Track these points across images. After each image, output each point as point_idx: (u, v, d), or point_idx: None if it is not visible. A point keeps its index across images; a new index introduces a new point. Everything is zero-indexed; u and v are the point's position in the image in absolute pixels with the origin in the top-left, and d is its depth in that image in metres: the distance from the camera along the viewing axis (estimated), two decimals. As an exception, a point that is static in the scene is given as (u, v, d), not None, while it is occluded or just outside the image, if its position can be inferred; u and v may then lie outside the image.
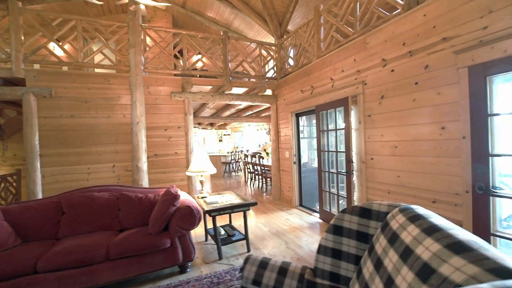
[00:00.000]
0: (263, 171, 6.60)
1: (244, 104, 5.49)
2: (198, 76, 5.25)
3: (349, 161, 3.21)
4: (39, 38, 3.97)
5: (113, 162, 4.22)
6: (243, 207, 2.94)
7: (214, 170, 3.36)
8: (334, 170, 3.64)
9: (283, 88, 5.14)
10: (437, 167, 2.33)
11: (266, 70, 5.37)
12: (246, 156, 7.82)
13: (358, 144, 3.20)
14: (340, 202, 3.54)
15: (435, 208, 2.36)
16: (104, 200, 2.83)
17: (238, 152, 10.26)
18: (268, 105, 5.76)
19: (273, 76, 5.44)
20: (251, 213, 4.65)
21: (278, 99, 5.41)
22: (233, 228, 3.38)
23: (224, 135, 11.51)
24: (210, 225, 3.49)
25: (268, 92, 5.55)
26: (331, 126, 3.68)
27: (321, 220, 4.00)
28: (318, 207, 4.25)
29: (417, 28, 2.46)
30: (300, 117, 4.86)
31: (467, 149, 2.06)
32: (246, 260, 1.39)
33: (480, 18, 1.99)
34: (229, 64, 4.96)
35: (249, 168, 7.58)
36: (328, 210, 3.76)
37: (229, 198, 3.23)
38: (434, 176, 2.36)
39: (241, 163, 10.41)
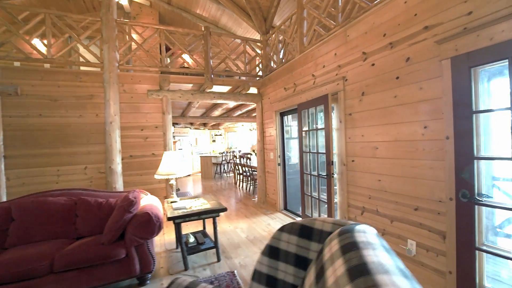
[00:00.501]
0: (251, 172, 6.37)
1: (228, 103, 5.26)
2: (186, 74, 5.03)
3: (329, 163, 2.97)
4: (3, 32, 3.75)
5: (85, 164, 3.99)
6: (211, 213, 2.70)
7: (185, 172, 3.13)
8: (316, 173, 3.40)
9: (267, 86, 4.91)
10: (420, 171, 2.09)
11: (252, 68, 5.14)
12: (235, 157, 7.59)
13: (339, 145, 2.97)
14: (322, 207, 3.31)
15: (417, 216, 2.12)
16: (60, 206, 2.60)
17: (230, 152, 10.03)
18: (254, 104, 5.53)
19: (258, 73, 5.21)
20: (232, 217, 4.41)
21: (263, 97, 5.18)
22: (205, 235, 3.14)
23: (216, 135, 11.29)
24: (186, 231, 3.25)
25: (254, 90, 5.32)
26: (313, 126, 3.44)
27: (303, 226, 3.76)
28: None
29: (398, 17, 2.23)
30: (285, 116, 4.63)
31: (451, 150, 1.83)
32: (171, 284, 1.16)
33: (464, 3, 1.75)
34: (211, 61, 4.73)
35: (239, 170, 7.35)
36: (310, 215, 3.53)
37: (200, 203, 3.00)
38: (417, 181, 2.12)
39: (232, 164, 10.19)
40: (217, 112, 8.40)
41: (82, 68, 5.28)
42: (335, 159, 3.10)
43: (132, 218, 2.35)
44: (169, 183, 3.12)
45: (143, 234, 2.31)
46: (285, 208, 4.63)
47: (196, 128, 12.16)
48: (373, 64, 2.48)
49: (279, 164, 4.61)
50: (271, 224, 3.94)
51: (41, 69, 3.81)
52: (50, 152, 3.82)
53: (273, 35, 4.73)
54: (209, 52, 4.68)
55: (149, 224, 2.32)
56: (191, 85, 4.66)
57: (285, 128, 4.67)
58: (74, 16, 3.96)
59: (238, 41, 6.02)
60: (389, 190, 2.37)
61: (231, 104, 6.01)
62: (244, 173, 6.91)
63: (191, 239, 2.94)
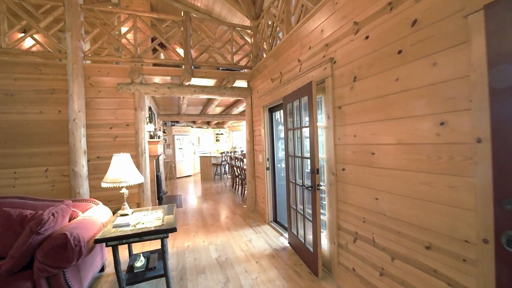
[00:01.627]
0: (245, 176, 5.75)
1: (212, 97, 4.67)
2: (167, 66, 4.51)
3: (314, 171, 2.29)
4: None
5: (45, 166, 3.56)
6: (156, 234, 2.12)
7: (137, 180, 2.57)
8: (301, 182, 2.72)
9: (256, 79, 4.27)
10: (433, 190, 1.39)
11: (240, 58, 4.51)
12: (231, 158, 7.01)
13: (327, 148, 2.28)
14: (307, 224, 2.63)
15: (430, 259, 1.42)
16: (-26, 220, 2.12)
17: (231, 152, 9.47)
18: (242, 99, 4.91)
19: (247, 65, 4.58)
20: (212, 228, 3.83)
21: (252, 91, 4.54)
22: (163, 256, 2.57)
23: (218, 134, 10.78)
24: (147, 248, 2.71)
25: (244, 84, 4.70)
26: (297, 124, 2.77)
27: (288, 245, 3.10)
28: (290, 227, 3.34)
29: (401, -36, 1.52)
30: (275, 113, 3.97)
31: (486, 161, 1.12)
32: None
33: None
34: (191, 50, 4.16)
35: (235, 172, 6.76)
36: (295, 234, 2.86)
37: (154, 218, 2.43)
38: (429, 205, 1.42)
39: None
40: (218, 109, 7.87)
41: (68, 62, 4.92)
42: (323, 165, 2.41)
43: (44, 241, 1.81)
44: (120, 192, 2.58)
45: (57, 262, 1.77)
46: (275, 220, 3.98)
47: (198, 127, 11.73)
48: (367, 37, 1.78)
49: (267, 169, 3.96)
50: (252, 241, 3.31)
51: (-5, 60, 3.41)
52: (6, 152, 3.41)
53: (263, 20, 4.08)
54: (189, 40, 4.11)
55: (65, 249, 1.77)
56: (169, 77, 4.12)
57: (276, 127, 4.01)
58: (33, 1, 3.52)
59: (225, 28, 5.39)
60: (389, 213, 1.67)
61: (219, 99, 5.41)
62: (239, 176, 6.31)
63: (139, 262, 2.38)
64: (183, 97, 5.26)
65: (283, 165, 4.21)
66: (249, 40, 5.14)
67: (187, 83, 4.08)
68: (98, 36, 3.94)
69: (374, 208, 1.80)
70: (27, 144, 3.49)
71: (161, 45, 5.37)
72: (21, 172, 3.47)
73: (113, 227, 2.20)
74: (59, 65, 3.60)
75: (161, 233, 2.11)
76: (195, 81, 4.31)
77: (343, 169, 2.10)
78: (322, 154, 2.51)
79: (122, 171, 2.52)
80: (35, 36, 3.38)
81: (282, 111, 3.87)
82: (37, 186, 3.51)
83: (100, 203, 2.82)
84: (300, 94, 2.50)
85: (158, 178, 5.34)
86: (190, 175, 10.44)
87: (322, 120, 2.43)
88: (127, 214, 2.55)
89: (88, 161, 3.70)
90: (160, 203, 5.42)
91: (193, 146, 11.38)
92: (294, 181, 2.87)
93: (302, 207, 2.71)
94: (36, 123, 3.53)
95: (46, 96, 3.56)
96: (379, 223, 1.75)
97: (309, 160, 2.41)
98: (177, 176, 9.77)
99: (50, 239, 1.80)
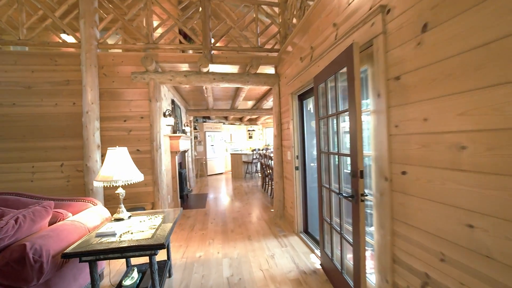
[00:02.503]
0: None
1: (235, 86, 4.14)
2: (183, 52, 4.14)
3: (356, 174, 1.58)
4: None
5: (61, 161, 3.43)
6: (140, 251, 1.64)
7: (134, 178, 2.16)
8: (337, 188, 2.01)
9: (284, 62, 3.62)
10: None
11: (266, 40, 3.90)
12: (261, 155, 6.45)
13: (377, 141, 1.55)
14: (346, 245, 1.92)
15: None
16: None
17: (263, 150, 8.91)
18: (268, 88, 4.29)
19: (275, 47, 3.94)
20: (232, 236, 3.31)
21: (280, 78, 3.89)
22: (163, 270, 2.12)
23: (249, 130, 10.28)
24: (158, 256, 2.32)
25: (270, 70, 4.08)
26: (332, 109, 2.07)
27: (320, 267, 2.41)
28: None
29: None
30: (306, 101, 3.28)
31: None
32: None
33: None
34: (211, 33, 3.69)
35: (264, 171, 6.19)
36: (329, 256, 2.16)
37: (148, 226, 1.98)
38: None
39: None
40: (249, 103, 7.39)
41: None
42: (370, 166, 1.68)
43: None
44: (116, 192, 2.19)
45: (12, 281, 1.40)
46: (305, 231, 3.30)
47: (231, 123, 11.43)
48: None
49: (297, 168, 3.29)
50: (276, 256, 2.70)
51: (14, 52, 3.36)
52: (24, 146, 3.35)
53: (292, -11, 3.40)
54: (207, 22, 3.64)
55: (22, 265, 1.40)
56: (186, 64, 3.71)
57: (308, 119, 3.32)
58: (49, -12, 3.39)
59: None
60: (500, 256, 0.92)
61: (244, 88, 4.87)
62: (269, 176, 5.72)
63: (130, 279, 1.95)
64: (207, 89, 4.86)
65: (315, 165, 3.50)
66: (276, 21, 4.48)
67: (205, 70, 3.61)
68: (112, 23, 3.71)
69: (464, 242, 1.05)
70: (43, 138, 3.39)
71: (180, 32, 5.03)
72: (39, 166, 3.38)
73: (96, 236, 1.80)
74: (73, 54, 3.43)
75: (145, 249, 1.63)
76: (214, 68, 3.83)
77: (404, 173, 1.37)
78: (368, 150, 1.78)
79: (116, 167, 2.12)
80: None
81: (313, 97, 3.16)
82: (53, 182, 3.39)
83: (99, 203, 2.49)
84: (336, 66, 1.80)
85: (181, 175, 5.04)
86: (221, 173, 10.19)
87: (368, 104, 1.70)
88: (122, 219, 2.16)
89: (102, 156, 3.47)
90: (182, 203, 5.12)
91: (225, 143, 11.12)
92: (328, 186, 2.17)
93: (339, 221, 2.00)
94: (51, 116, 3.40)
95: (61, 88, 3.42)
96: (477, 270, 1.00)
97: (348, 159, 1.70)
98: (208, 174, 9.57)
99: (6, 251, 1.44)
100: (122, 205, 2.22)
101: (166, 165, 4.22)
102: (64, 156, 3.43)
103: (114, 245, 1.63)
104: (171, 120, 4.18)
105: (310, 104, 3.44)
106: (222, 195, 6.03)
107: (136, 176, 2.20)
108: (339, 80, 1.89)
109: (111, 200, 3.51)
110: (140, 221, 2.12)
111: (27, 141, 3.35)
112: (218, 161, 10.06)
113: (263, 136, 12.19)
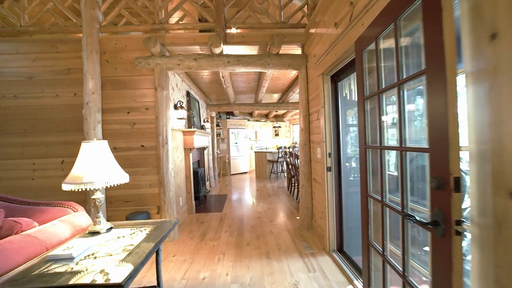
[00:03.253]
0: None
1: (253, 70, 3.52)
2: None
3: (444, 185, 0.87)
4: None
5: (62, 157, 3.13)
6: (91, 293, 1.10)
7: (113, 180, 1.66)
8: (399, 204, 1.29)
9: (313, 38, 2.91)
10: None
11: (289, 14, 3.22)
12: (286, 153, 5.77)
13: (484, 125, 0.83)
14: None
15: None
16: None
17: (289, 148, 8.20)
18: (294, 72, 3.61)
19: (301, 22, 3.24)
20: (247, 250, 2.71)
21: (308, 59, 3.19)
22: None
23: (275, 127, 9.59)
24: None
25: (296, 51, 3.40)
26: (390, 79, 1.35)
27: (365, 314, 1.70)
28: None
29: None
30: (341, 83, 2.55)
31: None
32: None
33: None
34: (225, 9, 3.12)
35: (290, 171, 5.51)
36: (381, 301, 1.45)
37: (121, 247, 1.46)
38: None
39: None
40: (275, 96, 6.76)
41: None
42: (467, 169, 0.96)
43: None
44: (92, 197, 1.71)
45: None
46: (339, 249, 2.58)
47: (256, 120, 10.87)
48: None
49: (329, 169, 2.58)
50: (300, 285, 2.04)
51: (15, 40, 3.12)
52: (26, 141, 3.10)
53: None
54: (221, -6, 3.08)
55: None
56: (197, 46, 3.19)
57: (343, 107, 2.59)
58: (49, -33, 3.08)
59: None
60: None
61: (267, 73, 4.22)
62: (295, 176, 5.03)
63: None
64: (224, 78, 4.32)
65: (354, 165, 2.76)
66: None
67: (217, 51, 3.04)
68: (116, 3, 3.32)
69: None
70: (44, 132, 3.11)
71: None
72: (39, 163, 3.11)
73: (48, 260, 1.31)
74: (74, 40, 3.10)
75: (98, 290, 1.08)
76: (229, 50, 3.26)
77: None
78: (462, 138, 1.04)
79: (91, 166, 1.64)
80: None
81: (353, 78, 2.42)
82: (54, 180, 3.10)
83: (81, 209, 2.05)
84: (398, 6, 1.09)
85: (197, 175, 4.57)
86: (245, 172, 9.68)
87: (461, 61, 0.97)
88: (98, 232, 1.67)
89: (104, 152, 3.09)
90: (198, 205, 4.65)
91: (250, 140, 10.60)
92: (379, 198, 1.46)
93: (401, 255, 1.28)
94: (52, 109, 3.11)
95: (62, 77, 3.11)
96: None
97: (420, 158, 0.99)
98: (231, 173, 9.12)
99: None
100: (101, 215, 1.74)
101: (178, 163, 3.76)
102: (65, 152, 3.12)
103: (57, 280, 1.11)
104: (182, 113, 3.70)
105: (345, 89, 2.71)
106: (243, 197, 5.47)
107: (117, 177, 1.70)
108: (401, 31, 1.18)
109: (113, 202, 3.13)
110: (119, 237, 1.62)
111: (28, 136, 3.10)
112: (242, 160, 9.57)
113: (290, 134, 11.44)
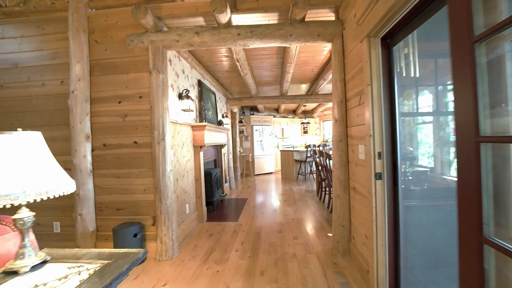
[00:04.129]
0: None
1: (271, 45, 2.76)
2: None
3: None
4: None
5: (50, 156, 2.69)
6: None
7: (56, 189, 1.07)
8: None
9: (354, -13, 2.07)
10: None
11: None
12: (315, 152, 4.92)
13: None
14: None
15: None
16: None
17: (319, 146, 7.28)
18: (325, 47, 2.79)
19: (336, -26, 2.41)
20: (255, 283, 2.00)
21: (345, 25, 2.35)
22: None
23: (303, 123, 8.65)
24: None
25: (328, 17, 2.58)
26: None
27: None
28: None
29: None
30: (395, 48, 1.70)
31: None
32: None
33: None
34: (234, -36, 2.43)
35: (320, 173, 4.65)
36: None
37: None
38: None
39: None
40: (303, 87, 5.95)
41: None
42: None
43: None
44: (13, 217, 1.14)
45: None
46: (395, 295, 1.73)
47: (283, 116, 10.07)
48: None
49: (378, 177, 1.75)
50: None
51: (0, 22, 2.76)
52: (13, 138, 2.73)
53: None
54: None
55: None
56: (202, 19, 2.54)
57: (399, 85, 1.74)
58: None
59: None
60: None
61: (290, 47, 3.42)
62: (325, 180, 4.19)
63: None
64: (239, 61, 3.64)
65: (418, 169, 1.89)
66: None
67: (223, 18, 2.35)
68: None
69: None
70: (31, 127, 2.70)
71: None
72: (29, 162, 2.72)
73: None
74: (60, 19, 2.64)
75: None
76: (240, 19, 2.56)
77: None
78: None
79: (5, 172, 1.06)
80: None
81: (409, 41, 1.57)
82: (42, 182, 2.69)
83: (11, 232, 1.50)
84: None
85: (210, 177, 3.97)
86: (270, 173, 8.95)
87: None
88: (16, 273, 1.09)
89: (92, 150, 2.61)
90: (211, 211, 4.05)
91: (276, 138, 9.84)
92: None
93: None
94: (39, 99, 2.70)
95: (48, 62, 2.68)
96: None
97: None
98: (255, 173, 8.46)
99: None
100: (27, 242, 1.15)
101: (183, 163, 3.18)
102: (52, 150, 2.69)
103: None
104: (188, 104, 3.10)
105: (400, 61, 1.84)
106: (264, 202, 4.76)
107: (55, 185, 1.11)
108: None
109: (103, 210, 2.63)
110: (37, 286, 1.01)
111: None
112: (267, 159, 8.85)
113: (320, 131, 10.44)
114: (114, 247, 2.36)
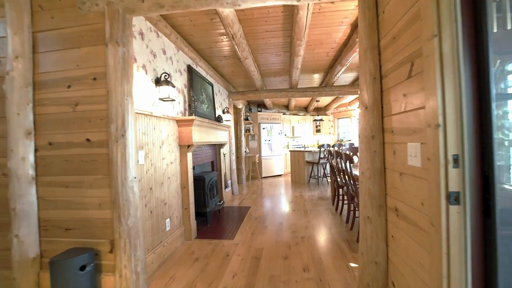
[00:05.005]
0: (354, 188, 2.80)
1: (265, 3, 2.03)
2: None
3: None
4: None
5: (-14, 158, 2.09)
6: None
7: None
8: None
9: None
10: None
11: None
12: (330, 153, 4.13)
13: None
14: None
15: None
16: None
17: (333, 146, 6.44)
18: (344, 17, 2.04)
19: None
20: None
21: (382, -42, 1.58)
22: None
23: (315, 120, 7.79)
24: None
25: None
26: None
27: None
28: None
29: None
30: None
31: None
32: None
33: None
34: None
35: (337, 178, 3.86)
36: None
37: None
38: None
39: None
40: (316, 78, 5.18)
41: None
42: None
43: None
44: None
45: None
46: None
47: (293, 114, 9.28)
48: None
49: (453, 199, 0.98)
50: None
51: None
52: None
53: None
54: None
55: None
56: (175, -30, 1.84)
57: (494, 40, 0.97)
58: None
59: None
60: None
61: (298, 5, 2.65)
62: (344, 188, 3.40)
63: None
64: (237, 44, 2.92)
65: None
66: None
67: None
68: None
69: None
70: (-32, 121, 2.12)
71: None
72: (-37, 165, 2.13)
73: None
74: (-2, -21, 2.03)
75: None
76: (228, -31, 1.84)
77: None
78: None
79: None
80: None
81: None
82: (-23, 191, 2.09)
83: None
84: None
85: (203, 182, 3.29)
86: (279, 175, 8.20)
87: None
88: None
89: (35, 150, 1.98)
90: (204, 225, 3.35)
91: (286, 138, 9.06)
92: None
93: None
94: (-26, 85, 2.09)
95: (-16, 37, 2.07)
96: None
97: None
98: (263, 176, 7.73)
99: None
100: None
101: (162, 168, 2.51)
102: (-12, 150, 2.09)
103: None
104: (167, 91, 2.41)
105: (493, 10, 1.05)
106: (270, 212, 4.03)
107: None
108: None
109: (49, 229, 1.99)
110: None
111: None
112: (276, 160, 8.10)
113: (334, 129, 9.56)
114: (51, 287, 1.71)
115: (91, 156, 1.91)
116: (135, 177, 1.89)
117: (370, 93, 1.64)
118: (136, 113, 2.09)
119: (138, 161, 2.11)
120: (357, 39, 2.92)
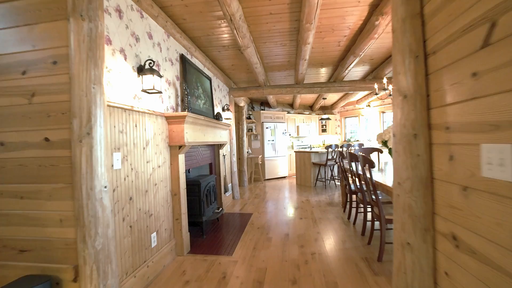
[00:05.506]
0: (375, 198, 2.37)
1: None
2: None
3: None
4: None
5: None
6: None
7: None
8: None
9: None
10: None
11: None
12: (342, 155, 3.70)
13: None
14: None
15: None
16: None
17: (343, 147, 6.01)
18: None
19: None
20: None
21: None
22: None
23: (322, 119, 7.35)
24: None
25: None
26: None
27: None
28: None
29: None
30: None
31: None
32: None
33: None
34: None
35: (349, 183, 3.44)
36: None
37: None
38: None
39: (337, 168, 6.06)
40: (323, 71, 4.76)
41: None
42: None
43: None
44: None
45: None
46: None
47: (298, 113, 8.86)
48: None
49: None
50: None
51: None
52: None
53: None
54: None
55: None
56: None
57: None
58: None
59: None
60: None
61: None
62: (358, 193, 2.98)
63: None
64: (236, 28, 2.51)
65: None
66: None
67: None
68: None
69: None
70: None
71: None
72: None
73: None
74: None
75: None
76: None
77: None
78: None
79: None
80: None
81: None
82: None
83: None
84: None
85: (198, 188, 2.90)
86: (283, 177, 7.78)
87: None
88: None
89: (-17, 152, 1.59)
90: (199, 237, 2.96)
91: (290, 138, 8.65)
92: None
93: None
94: None
95: None
96: None
97: None
98: (266, 178, 7.32)
99: None
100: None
101: (146, 173, 2.12)
102: None
103: None
104: (152, 81, 2.02)
105: None
106: (274, 221, 3.62)
107: None
108: None
109: (0, 251, 1.60)
110: None
111: None
112: (280, 161, 7.69)
113: (341, 129, 9.12)
114: (-10, 329, 1.32)
115: (51, 159, 1.52)
116: (105, 187, 1.50)
117: (410, 77, 1.22)
118: (109, 106, 1.70)
119: (112, 165, 1.72)
120: (377, 22, 2.49)
